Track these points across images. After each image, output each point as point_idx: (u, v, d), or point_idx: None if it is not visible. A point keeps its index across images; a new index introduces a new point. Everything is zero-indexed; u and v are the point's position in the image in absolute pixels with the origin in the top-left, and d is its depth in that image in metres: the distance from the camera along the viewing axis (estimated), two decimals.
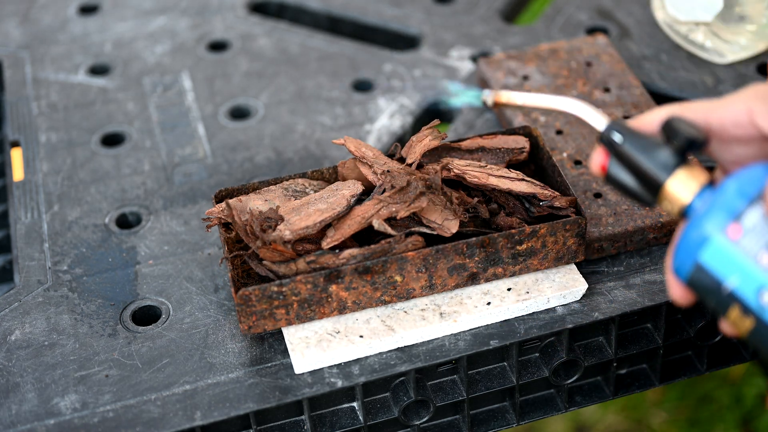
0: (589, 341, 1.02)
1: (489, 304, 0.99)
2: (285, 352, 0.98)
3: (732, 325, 0.77)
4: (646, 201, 0.79)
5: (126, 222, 1.15)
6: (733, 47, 1.27)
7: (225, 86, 1.32)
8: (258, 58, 1.36)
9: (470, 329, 0.98)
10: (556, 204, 1.00)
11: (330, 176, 1.06)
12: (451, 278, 0.98)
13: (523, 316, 0.99)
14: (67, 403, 0.95)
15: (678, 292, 0.79)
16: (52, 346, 1.00)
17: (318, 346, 0.96)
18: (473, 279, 0.99)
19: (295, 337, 0.97)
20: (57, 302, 1.05)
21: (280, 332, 0.99)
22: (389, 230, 0.96)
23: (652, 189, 0.78)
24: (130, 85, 1.33)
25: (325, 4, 1.46)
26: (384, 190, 0.99)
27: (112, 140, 1.26)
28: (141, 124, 1.27)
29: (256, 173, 1.19)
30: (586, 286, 1.00)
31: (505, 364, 1.01)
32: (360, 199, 1.00)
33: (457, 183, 1.03)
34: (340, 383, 0.95)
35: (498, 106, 0.89)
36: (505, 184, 1.01)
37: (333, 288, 0.96)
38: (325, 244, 0.96)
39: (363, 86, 1.31)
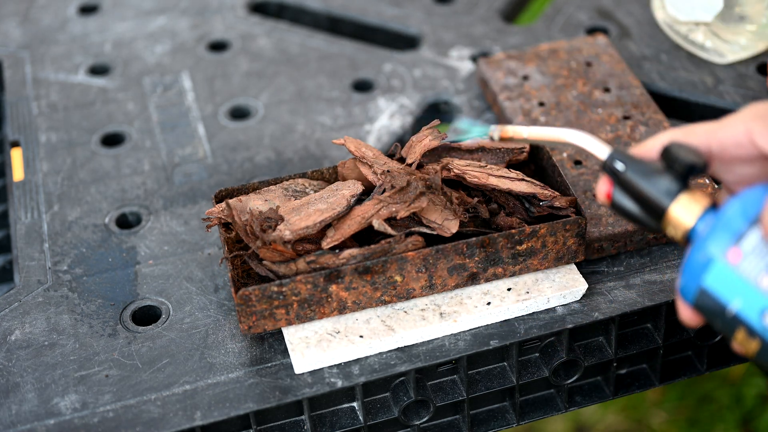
0: (589, 341, 1.02)
1: (489, 304, 0.99)
2: (285, 352, 0.98)
3: (740, 346, 0.78)
4: (651, 227, 0.80)
5: (126, 222, 1.15)
6: (733, 47, 1.27)
7: (225, 86, 1.32)
8: (258, 58, 1.37)
9: (470, 329, 0.98)
10: (556, 204, 1.00)
11: (330, 176, 1.06)
12: (451, 278, 0.99)
13: (523, 316, 0.99)
14: (67, 403, 0.95)
15: (687, 315, 0.80)
16: (52, 346, 1.00)
17: (318, 346, 0.96)
18: (473, 279, 0.99)
19: (295, 337, 0.97)
20: (57, 302, 1.05)
21: (280, 332, 0.99)
22: (389, 230, 0.96)
23: (655, 215, 0.80)
24: (130, 85, 1.33)
25: (325, 4, 1.46)
26: (384, 190, 0.99)
27: (112, 140, 1.26)
28: (141, 124, 1.27)
29: (256, 173, 1.19)
30: (586, 286, 1.00)
31: (505, 364, 1.01)
32: (360, 199, 1.00)
33: (457, 183, 1.03)
34: (340, 383, 0.95)
35: (505, 140, 0.91)
36: (505, 184, 1.01)
37: (333, 288, 0.96)
38: (325, 244, 0.96)
39: (363, 86, 1.32)
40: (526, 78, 1.23)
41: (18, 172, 1.21)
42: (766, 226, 0.74)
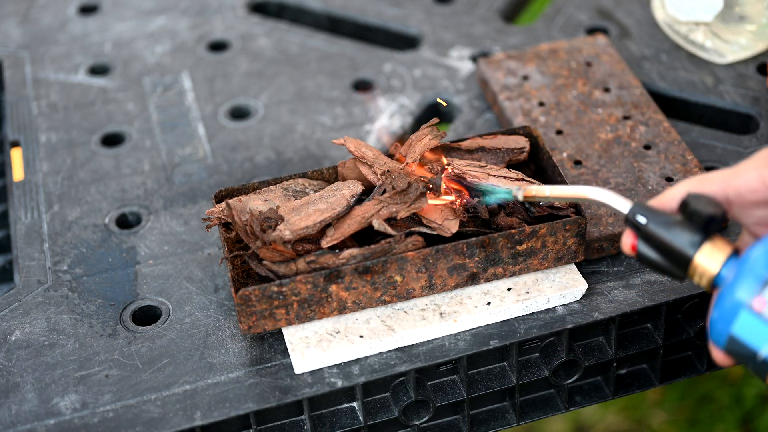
0: (589, 341, 1.02)
1: (489, 304, 0.99)
2: (285, 352, 0.98)
3: None
4: (677, 276, 0.83)
5: (126, 222, 1.15)
6: (733, 47, 1.27)
7: (225, 86, 1.32)
8: (258, 58, 1.37)
9: (470, 329, 0.98)
10: (556, 204, 1.00)
11: (330, 176, 1.06)
12: (451, 278, 0.98)
13: (523, 316, 0.99)
14: (67, 403, 0.95)
15: (720, 358, 0.82)
16: (52, 346, 1.00)
17: (318, 346, 0.96)
18: (473, 279, 0.99)
19: (295, 337, 0.97)
20: (57, 302, 1.05)
21: (280, 332, 0.99)
22: (389, 230, 0.96)
23: (681, 264, 0.82)
24: (130, 85, 1.33)
25: (325, 4, 1.46)
26: (384, 191, 0.99)
27: (112, 140, 1.26)
28: (141, 124, 1.27)
29: (256, 173, 1.19)
30: (586, 286, 1.00)
31: (505, 364, 1.01)
32: (360, 199, 1.00)
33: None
34: (340, 383, 0.95)
35: (527, 198, 0.95)
36: (505, 184, 1.01)
37: (333, 288, 0.96)
38: (325, 243, 0.96)
39: (363, 86, 1.31)
40: (526, 78, 1.23)
41: (18, 172, 1.21)
42: None
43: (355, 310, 0.98)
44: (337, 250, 0.96)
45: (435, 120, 1.05)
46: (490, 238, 0.97)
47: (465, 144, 1.06)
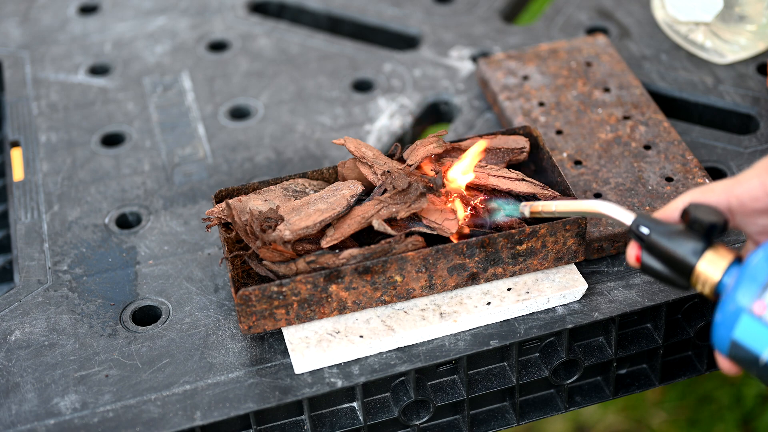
0: (589, 341, 1.02)
1: (489, 304, 0.99)
2: (285, 352, 0.98)
3: None
4: (681, 285, 0.83)
5: (126, 222, 1.15)
6: (733, 47, 1.27)
7: (225, 86, 1.32)
8: (258, 58, 1.37)
9: (470, 329, 0.98)
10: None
11: (330, 176, 1.06)
12: (451, 278, 0.98)
13: (523, 316, 0.99)
14: (67, 403, 0.95)
15: (725, 365, 0.83)
16: (52, 346, 1.00)
17: (318, 346, 0.96)
18: (473, 279, 0.99)
19: (295, 337, 0.97)
20: (57, 302, 1.05)
21: (280, 332, 0.99)
22: (389, 230, 0.96)
23: (684, 273, 0.83)
24: (130, 85, 1.33)
25: (325, 4, 1.46)
26: (385, 191, 0.99)
27: (112, 140, 1.26)
28: (141, 124, 1.27)
29: (256, 173, 1.19)
30: (586, 286, 1.00)
31: (505, 364, 1.01)
32: (360, 199, 1.00)
33: None
34: (340, 383, 0.95)
35: (534, 215, 0.96)
36: (505, 184, 1.01)
37: (333, 288, 0.96)
38: (325, 243, 0.96)
39: (363, 86, 1.32)
40: (526, 78, 1.23)
41: (18, 172, 1.21)
42: None
43: (355, 310, 0.98)
44: (337, 250, 0.96)
45: (443, 132, 1.05)
46: (490, 238, 0.97)
47: (465, 144, 1.06)
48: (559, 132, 1.16)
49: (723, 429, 1.75)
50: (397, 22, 1.41)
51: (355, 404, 0.98)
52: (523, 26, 1.39)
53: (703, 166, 1.12)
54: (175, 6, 1.46)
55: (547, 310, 1.00)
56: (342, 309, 0.98)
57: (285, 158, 1.21)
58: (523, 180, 1.01)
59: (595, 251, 1.04)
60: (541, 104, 1.19)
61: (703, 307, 1.02)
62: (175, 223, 1.13)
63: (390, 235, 0.97)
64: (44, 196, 1.17)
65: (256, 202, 1.00)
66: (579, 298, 1.00)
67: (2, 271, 1.16)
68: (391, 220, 0.98)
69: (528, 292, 0.99)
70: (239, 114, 1.29)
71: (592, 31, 1.36)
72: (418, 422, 0.98)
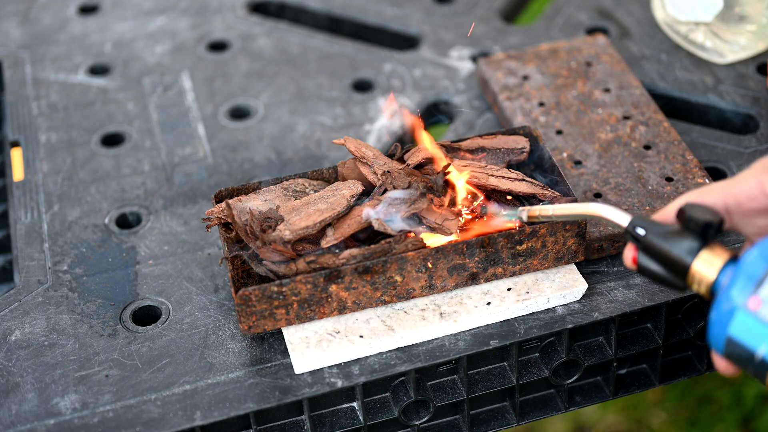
0: (589, 341, 1.02)
1: (489, 304, 0.99)
2: (285, 352, 0.98)
3: None
4: (677, 286, 0.83)
5: (126, 222, 1.15)
6: (733, 47, 1.27)
7: (225, 86, 1.32)
8: (258, 58, 1.37)
9: (470, 329, 0.98)
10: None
11: (330, 176, 1.06)
12: (451, 278, 0.98)
13: (523, 316, 0.99)
14: (67, 403, 0.95)
15: (721, 365, 0.83)
16: (52, 346, 1.00)
17: (318, 346, 0.96)
18: (473, 279, 0.99)
19: (295, 337, 0.97)
20: (57, 302, 1.05)
21: (280, 332, 0.99)
22: (389, 230, 0.96)
23: (680, 273, 0.82)
24: (130, 85, 1.33)
25: (325, 4, 1.46)
26: (385, 191, 0.99)
27: (112, 140, 1.26)
28: (141, 124, 1.27)
29: (256, 173, 1.19)
30: (586, 286, 1.00)
31: (505, 364, 1.01)
32: (360, 199, 1.00)
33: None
34: (340, 383, 0.95)
35: (531, 219, 0.96)
36: (505, 185, 1.01)
37: (333, 288, 0.96)
38: (325, 243, 0.96)
39: (363, 86, 1.32)
40: (526, 78, 1.23)
41: (18, 172, 1.21)
42: None
43: (355, 310, 0.98)
44: (337, 250, 0.96)
45: (447, 141, 1.05)
46: (490, 238, 0.97)
47: (465, 144, 1.06)
48: (559, 132, 1.16)
49: (723, 429, 1.75)
50: (397, 22, 1.41)
51: (355, 404, 0.98)
52: (523, 26, 1.39)
53: (703, 166, 1.12)
54: (175, 6, 1.46)
55: (547, 310, 1.00)
56: (342, 309, 0.98)
57: (285, 158, 1.21)
58: (523, 180, 1.01)
59: (595, 251, 1.04)
60: (541, 104, 1.19)
61: (702, 307, 1.02)
62: (175, 223, 1.13)
63: (390, 235, 0.97)
64: (44, 196, 1.17)
65: (256, 202, 1.00)
66: (579, 298, 1.00)
67: (2, 271, 1.16)
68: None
69: (528, 292, 0.99)
70: (239, 114, 1.29)
71: (592, 31, 1.36)
72: (418, 422, 0.98)
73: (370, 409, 0.98)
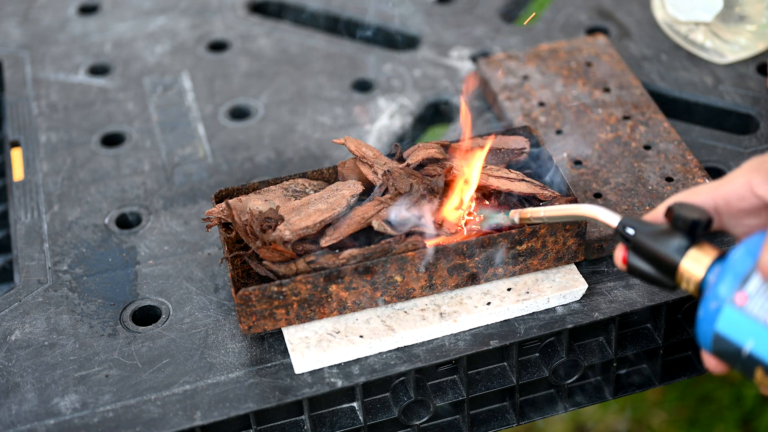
0: (589, 341, 1.02)
1: (489, 304, 0.99)
2: (285, 352, 0.98)
3: (760, 385, 0.80)
4: (667, 285, 0.83)
5: (126, 222, 1.15)
6: (733, 47, 1.27)
7: (225, 86, 1.32)
8: (258, 58, 1.37)
9: (470, 329, 0.98)
10: (556, 204, 0.99)
11: (330, 176, 1.06)
12: (451, 278, 0.98)
13: (523, 316, 0.99)
14: (67, 403, 0.95)
15: (711, 364, 0.83)
16: (52, 346, 1.00)
17: (318, 346, 0.96)
18: (473, 279, 0.99)
19: (295, 337, 0.97)
20: (57, 302, 1.05)
21: (280, 332, 0.99)
22: (389, 230, 0.96)
23: (668, 272, 0.82)
24: (130, 85, 1.33)
25: (325, 4, 1.46)
26: (385, 190, 0.99)
27: (112, 140, 1.26)
28: (141, 124, 1.27)
29: (256, 173, 1.19)
30: (586, 286, 1.00)
31: (505, 364, 1.01)
32: (360, 199, 1.00)
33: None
34: (340, 383, 0.95)
35: (523, 221, 0.96)
36: (505, 185, 1.01)
37: (333, 288, 0.96)
38: (325, 243, 0.96)
39: (363, 86, 1.32)
40: (526, 78, 1.23)
41: (18, 172, 1.21)
42: (764, 267, 0.76)
43: (355, 310, 0.98)
44: (337, 250, 0.96)
45: (446, 142, 1.05)
46: (490, 238, 0.97)
47: (465, 144, 1.06)
48: (559, 132, 1.16)
49: (723, 429, 1.75)
50: (397, 22, 1.41)
51: (355, 404, 0.98)
52: (523, 26, 1.39)
53: (703, 166, 1.12)
54: (175, 6, 1.46)
55: (547, 310, 1.00)
56: (342, 309, 0.98)
57: (285, 158, 1.21)
58: (523, 180, 1.01)
59: (595, 251, 1.04)
60: (541, 104, 1.19)
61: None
62: (175, 223, 1.13)
63: (390, 235, 0.97)
64: (44, 196, 1.17)
65: (256, 202, 1.00)
66: (579, 298, 1.00)
67: (2, 271, 1.16)
68: None
69: (528, 292, 0.99)
70: (239, 114, 1.29)
71: (592, 31, 1.36)
72: (418, 422, 0.98)
73: (370, 409, 0.98)
